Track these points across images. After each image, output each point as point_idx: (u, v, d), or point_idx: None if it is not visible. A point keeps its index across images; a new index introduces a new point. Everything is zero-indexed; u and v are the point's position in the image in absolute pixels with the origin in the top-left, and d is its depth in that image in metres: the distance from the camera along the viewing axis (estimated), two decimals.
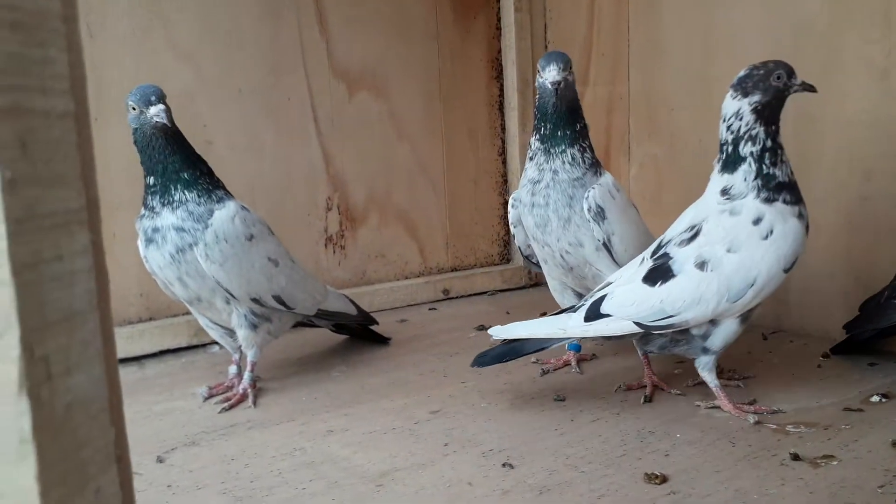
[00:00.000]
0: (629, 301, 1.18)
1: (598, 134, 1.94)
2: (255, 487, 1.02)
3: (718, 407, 1.22)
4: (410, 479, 1.03)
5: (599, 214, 1.31)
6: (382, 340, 1.64)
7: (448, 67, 1.96)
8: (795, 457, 1.04)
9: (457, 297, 2.00)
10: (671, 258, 1.18)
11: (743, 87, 1.17)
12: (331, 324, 1.58)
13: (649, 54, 1.80)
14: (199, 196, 1.26)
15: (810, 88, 1.21)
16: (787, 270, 1.16)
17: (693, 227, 1.19)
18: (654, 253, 1.22)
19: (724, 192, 1.18)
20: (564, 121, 1.34)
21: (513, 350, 1.25)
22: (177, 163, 1.26)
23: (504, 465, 1.06)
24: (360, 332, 1.64)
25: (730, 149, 1.18)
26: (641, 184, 1.86)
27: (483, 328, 1.69)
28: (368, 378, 1.44)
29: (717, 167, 1.20)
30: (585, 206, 1.31)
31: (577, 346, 1.44)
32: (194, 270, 1.26)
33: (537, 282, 2.08)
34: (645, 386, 1.30)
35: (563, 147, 1.33)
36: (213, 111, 1.66)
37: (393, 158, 1.91)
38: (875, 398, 1.22)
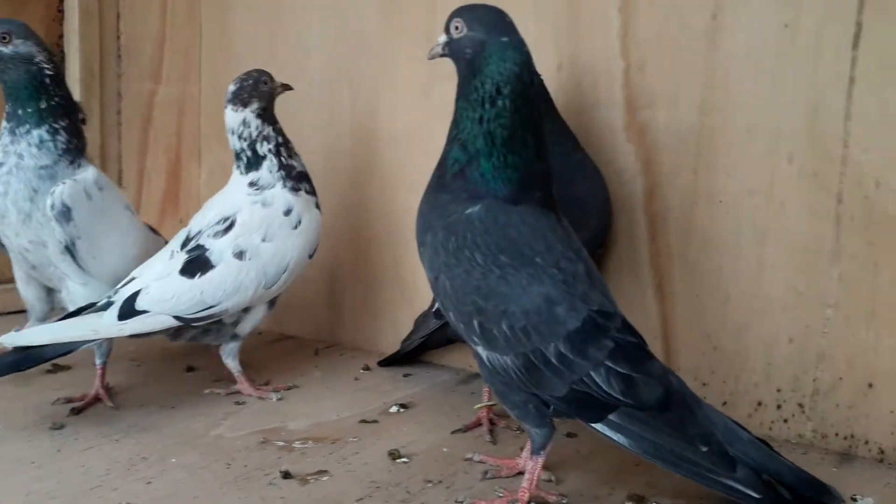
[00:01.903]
0: (168, 295, 1.16)
1: (170, 136, 1.80)
2: None
3: (239, 392, 1.26)
4: None
5: (64, 214, 1.16)
6: None
7: None
8: (286, 475, 0.99)
9: None
10: (207, 249, 1.20)
11: (241, 99, 1.27)
12: None
13: (221, 55, 1.71)
14: None
15: (288, 87, 1.33)
16: (311, 256, 1.29)
17: (227, 219, 1.22)
18: (184, 245, 1.21)
19: (253, 184, 1.25)
20: (26, 95, 1.16)
21: (30, 357, 1.11)
22: None
23: None
24: None
25: (249, 153, 1.27)
26: (212, 189, 1.75)
27: None
28: None
29: (240, 171, 1.27)
30: (49, 203, 1.16)
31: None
32: None
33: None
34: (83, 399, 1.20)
35: (29, 127, 1.16)
36: None
37: None
38: (394, 409, 1.22)
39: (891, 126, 1.03)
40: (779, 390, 1.13)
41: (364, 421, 1.18)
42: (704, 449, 0.86)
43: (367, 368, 1.42)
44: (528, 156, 0.91)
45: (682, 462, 0.87)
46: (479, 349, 0.92)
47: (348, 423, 1.17)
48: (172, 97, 1.79)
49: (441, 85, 1.40)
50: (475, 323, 0.90)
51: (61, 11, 1.81)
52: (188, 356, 1.41)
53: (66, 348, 1.12)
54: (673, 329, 1.20)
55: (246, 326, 1.26)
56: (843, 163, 1.06)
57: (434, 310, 1.33)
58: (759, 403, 1.14)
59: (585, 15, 1.24)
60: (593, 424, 0.88)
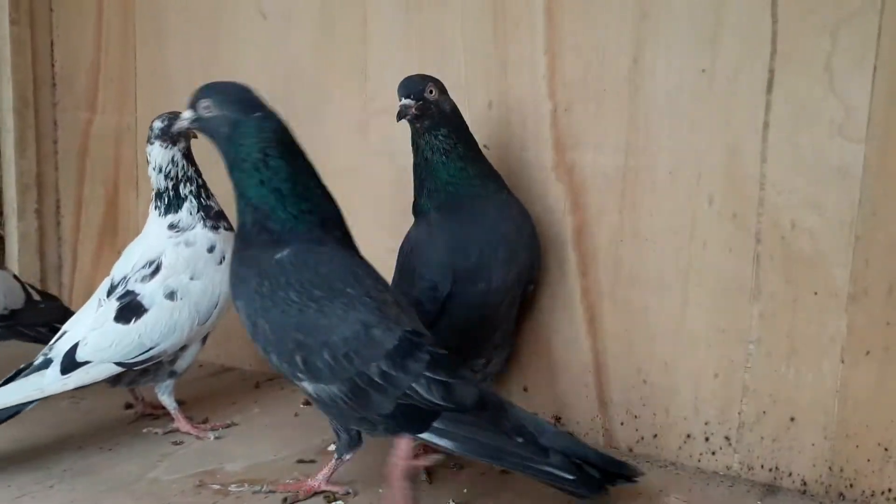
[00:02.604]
0: (107, 343, 1.18)
1: (107, 166, 1.79)
2: None
3: (177, 429, 1.27)
4: None
5: None
6: None
7: None
8: None
9: None
10: (138, 294, 1.21)
11: (171, 137, 1.27)
12: None
13: (156, 85, 1.70)
14: None
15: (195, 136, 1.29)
16: None
17: (152, 262, 1.24)
18: (110, 293, 1.23)
19: (173, 226, 1.27)
20: None
21: None
22: None
23: None
24: None
25: (171, 193, 1.28)
26: None
27: None
28: None
29: (158, 211, 1.27)
30: None
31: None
32: None
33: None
34: None
35: None
36: None
37: None
38: (332, 447, 1.23)
39: (803, 169, 1.07)
40: (706, 423, 1.17)
41: (301, 461, 1.19)
42: (520, 440, 0.94)
43: (307, 403, 1.42)
44: (318, 199, 1.01)
45: (504, 455, 0.95)
46: (305, 384, 0.98)
47: (285, 464, 1.18)
48: (109, 127, 1.78)
49: (378, 120, 1.42)
50: (298, 359, 0.96)
51: None
52: (126, 393, 1.40)
53: (13, 411, 1.13)
54: (605, 363, 1.23)
55: (182, 364, 1.27)
56: (760, 204, 1.10)
57: None
58: (689, 436, 1.18)
59: (513, 56, 1.27)
60: (420, 435, 0.95)
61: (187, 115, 1.03)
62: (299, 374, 0.97)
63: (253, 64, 1.56)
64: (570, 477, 0.94)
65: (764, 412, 1.12)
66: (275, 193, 0.99)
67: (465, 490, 1.10)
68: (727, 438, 1.15)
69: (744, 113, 1.10)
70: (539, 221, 1.26)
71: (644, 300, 1.19)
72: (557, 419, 1.28)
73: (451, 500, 1.05)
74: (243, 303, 1.00)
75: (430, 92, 1.14)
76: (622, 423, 1.23)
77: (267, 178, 0.99)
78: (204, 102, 1.01)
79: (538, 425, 0.97)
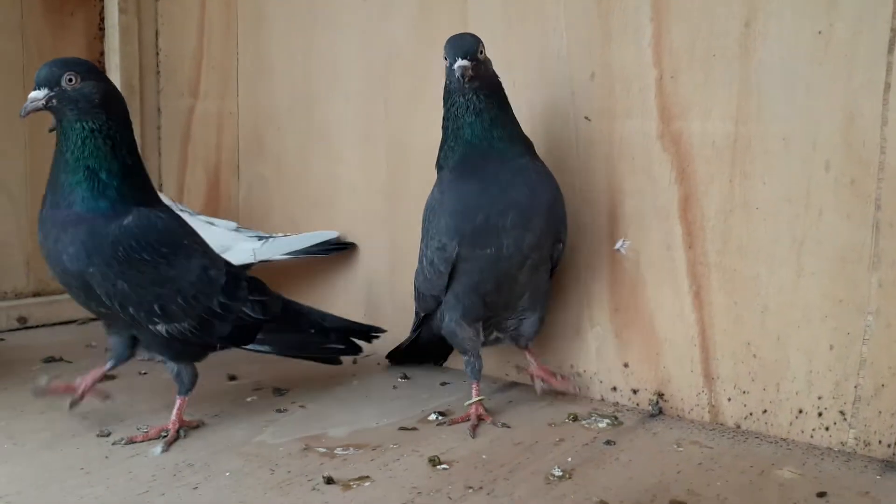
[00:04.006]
0: None
1: (209, 151, 1.84)
2: None
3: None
4: None
5: None
6: None
7: (36, 67, 1.73)
8: (329, 480, 1.00)
9: (36, 327, 1.76)
10: None
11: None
12: None
13: (257, 71, 1.74)
14: None
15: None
16: None
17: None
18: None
19: None
20: None
21: None
22: None
23: None
24: None
25: None
26: (250, 204, 1.79)
27: (52, 360, 1.49)
28: None
29: None
30: None
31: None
32: None
33: None
34: None
35: None
36: None
37: None
38: (432, 416, 1.23)
39: None
40: (820, 398, 1.12)
41: (403, 428, 1.19)
42: (313, 331, 1.29)
43: (404, 377, 1.43)
44: (142, 166, 1.13)
45: (304, 346, 1.30)
46: (159, 327, 1.11)
47: (388, 431, 1.18)
48: (210, 112, 1.83)
49: None
50: (156, 307, 1.10)
51: (102, 30, 1.86)
52: (229, 365, 1.44)
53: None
54: (711, 337, 1.20)
55: None
56: (881, 169, 1.06)
57: (416, 310, 1.37)
58: (801, 411, 1.14)
59: (616, 24, 1.25)
60: (247, 346, 1.21)
61: (41, 94, 1.05)
62: (156, 320, 1.10)
63: (353, 47, 1.58)
64: (341, 346, 1.32)
65: (883, 385, 1.08)
66: (122, 164, 1.08)
67: (568, 459, 1.08)
68: (842, 413, 1.11)
69: (863, 75, 1.06)
70: (642, 192, 1.24)
71: (754, 271, 1.15)
72: (660, 395, 1.25)
73: (556, 466, 1.04)
74: (98, 269, 1.06)
75: (481, 52, 1.14)
76: (729, 399, 1.19)
77: (118, 150, 1.07)
78: (69, 75, 1.04)
79: (322, 316, 1.31)
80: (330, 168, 1.65)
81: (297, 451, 1.10)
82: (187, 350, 1.16)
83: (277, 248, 1.57)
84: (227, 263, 1.21)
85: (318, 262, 1.66)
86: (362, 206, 1.60)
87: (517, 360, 1.40)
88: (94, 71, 1.07)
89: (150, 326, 1.11)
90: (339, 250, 1.64)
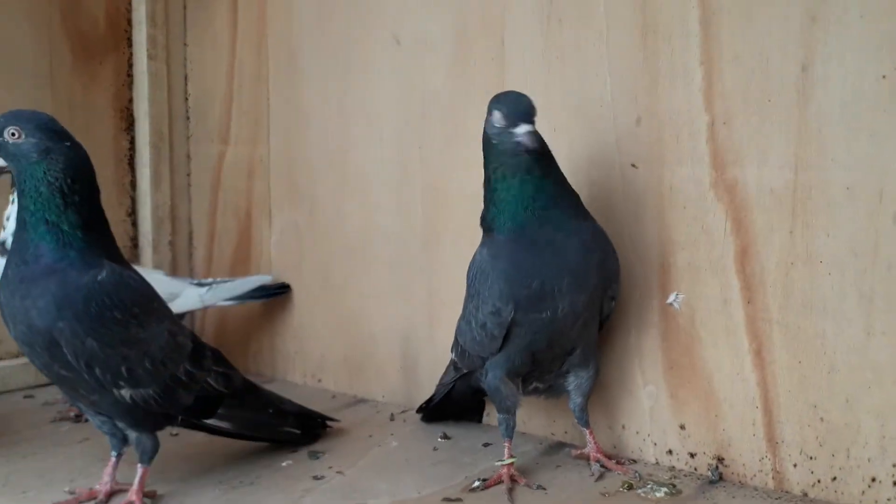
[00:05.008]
0: None
1: (239, 197, 1.80)
2: None
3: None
4: None
5: None
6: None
7: (65, 115, 1.68)
8: None
9: None
10: None
11: None
12: None
13: (289, 116, 1.71)
14: None
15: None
16: None
17: None
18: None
19: None
20: None
21: None
22: None
23: None
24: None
25: None
26: (282, 251, 1.74)
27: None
28: None
29: None
30: None
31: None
32: None
33: None
34: None
35: None
36: None
37: None
38: (476, 483, 1.17)
39: None
40: (895, 465, 1.04)
41: (447, 499, 1.12)
42: (271, 411, 1.28)
43: (445, 437, 1.37)
44: (107, 225, 1.11)
45: (263, 426, 1.29)
46: (124, 391, 1.07)
47: (431, 502, 1.12)
48: (241, 158, 1.79)
49: None
50: (123, 370, 1.06)
51: (130, 76, 1.84)
52: None
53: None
54: (775, 399, 1.12)
55: None
56: None
57: (451, 361, 1.32)
58: (874, 479, 1.06)
59: (664, 67, 1.19)
60: (208, 420, 1.19)
61: None
62: (121, 383, 1.06)
63: (387, 92, 1.54)
64: (298, 432, 1.31)
65: None
66: (80, 217, 1.05)
67: None
68: None
69: None
70: (696, 244, 1.17)
71: (820, 328, 1.08)
72: (720, 460, 1.18)
73: None
74: (68, 324, 1.02)
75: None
76: (795, 465, 1.12)
77: (72, 203, 1.05)
78: (11, 129, 1.03)
79: (278, 398, 1.30)
80: (364, 214, 1.60)
81: None
82: (148, 419, 1.12)
83: (220, 294, 1.61)
84: (192, 333, 1.20)
85: (354, 313, 1.61)
86: (398, 254, 1.55)
87: (563, 420, 1.33)
88: (44, 128, 1.05)
89: (115, 391, 1.07)
90: (276, 294, 1.70)
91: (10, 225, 1.35)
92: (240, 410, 1.23)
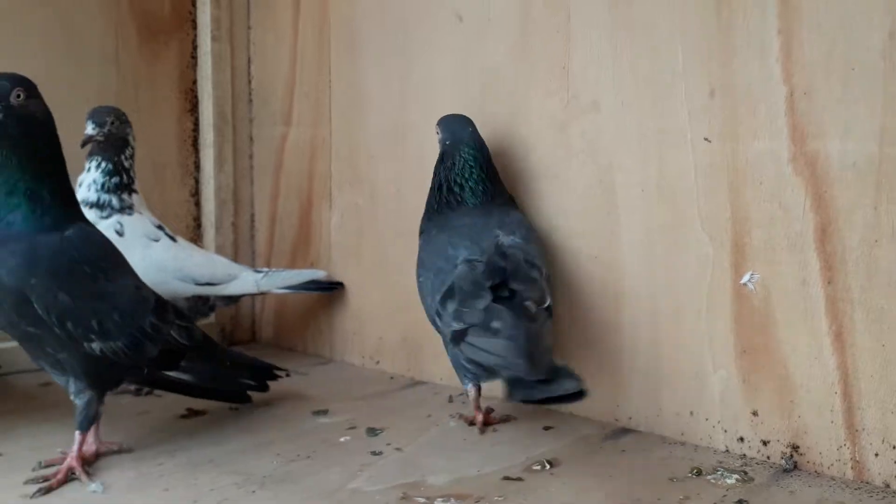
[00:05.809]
0: None
1: (301, 180, 1.80)
2: None
3: None
4: None
5: None
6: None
7: (130, 95, 1.74)
8: None
9: None
10: None
11: None
12: None
13: (351, 97, 1.70)
14: None
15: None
16: None
17: None
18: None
19: None
20: None
21: None
22: None
23: None
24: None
25: None
26: (343, 233, 1.73)
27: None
28: None
29: None
30: None
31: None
32: None
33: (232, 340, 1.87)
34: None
35: None
36: None
37: None
38: (537, 466, 1.14)
39: None
40: None
41: (507, 478, 1.10)
42: (228, 363, 1.33)
43: (505, 419, 1.34)
44: (70, 188, 1.13)
45: (223, 378, 1.33)
46: (94, 345, 1.09)
47: (491, 480, 1.09)
48: (303, 140, 1.79)
49: (580, 119, 1.33)
50: (94, 323, 1.09)
51: (195, 58, 1.85)
52: (317, 400, 1.38)
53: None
54: (856, 384, 1.07)
55: None
56: None
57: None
58: None
59: (739, 39, 1.15)
60: (170, 373, 1.22)
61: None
62: (92, 336, 1.09)
63: (449, 70, 1.52)
64: (254, 383, 1.36)
65: None
66: (62, 180, 1.10)
67: None
68: None
69: None
70: (772, 221, 1.12)
71: None
72: (794, 448, 1.12)
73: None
74: (40, 280, 1.04)
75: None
76: (876, 455, 1.06)
77: (58, 168, 1.10)
78: (17, 91, 1.04)
79: (232, 352, 1.39)
80: (423, 196, 1.58)
81: (395, 499, 1.03)
82: (108, 377, 1.15)
83: (275, 282, 1.62)
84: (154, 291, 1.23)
85: (412, 295, 1.58)
86: None
87: (628, 404, 1.29)
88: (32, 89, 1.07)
89: (85, 344, 1.09)
90: (329, 290, 1.70)
91: (82, 190, 1.44)
92: (200, 363, 1.26)
